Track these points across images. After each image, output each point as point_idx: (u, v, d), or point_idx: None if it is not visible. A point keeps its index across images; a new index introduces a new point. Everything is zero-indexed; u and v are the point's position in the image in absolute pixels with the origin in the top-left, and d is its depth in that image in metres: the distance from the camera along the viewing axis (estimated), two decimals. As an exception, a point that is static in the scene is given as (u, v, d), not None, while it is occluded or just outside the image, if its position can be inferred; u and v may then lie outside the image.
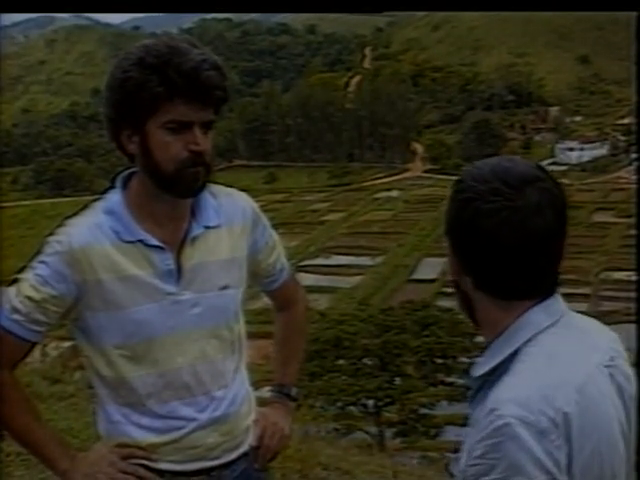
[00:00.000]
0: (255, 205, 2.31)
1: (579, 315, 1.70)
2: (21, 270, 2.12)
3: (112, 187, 2.17)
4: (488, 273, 1.60)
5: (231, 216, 2.22)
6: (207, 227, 2.17)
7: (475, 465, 1.52)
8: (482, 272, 1.61)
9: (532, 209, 1.56)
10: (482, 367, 1.62)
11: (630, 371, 1.67)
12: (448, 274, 1.74)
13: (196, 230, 2.15)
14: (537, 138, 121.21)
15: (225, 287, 2.18)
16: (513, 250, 1.56)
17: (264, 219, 2.33)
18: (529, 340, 1.59)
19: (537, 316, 1.60)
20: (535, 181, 1.59)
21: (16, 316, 2.08)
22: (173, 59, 1.98)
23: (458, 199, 1.62)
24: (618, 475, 1.59)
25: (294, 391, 2.51)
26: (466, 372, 1.70)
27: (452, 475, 1.72)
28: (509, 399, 1.50)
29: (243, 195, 2.31)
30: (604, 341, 1.67)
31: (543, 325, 1.60)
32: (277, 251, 2.39)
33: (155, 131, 2.03)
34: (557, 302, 1.64)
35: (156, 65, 1.98)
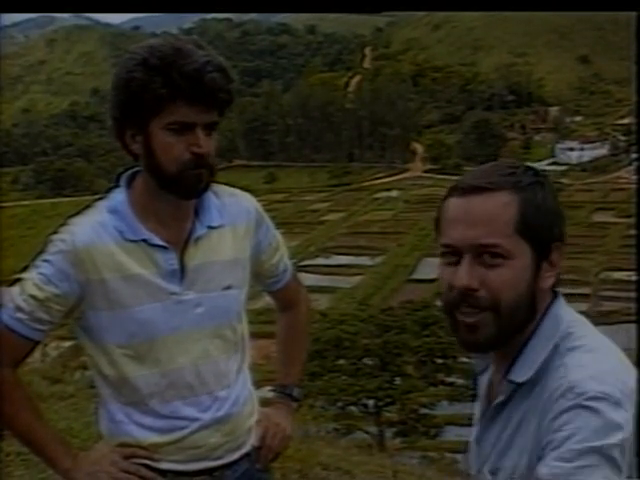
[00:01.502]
0: (259, 205, 2.31)
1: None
2: (21, 270, 2.12)
3: (116, 186, 2.17)
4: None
5: (235, 216, 2.22)
6: (210, 227, 2.16)
7: (550, 442, 1.50)
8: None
9: None
10: (526, 371, 1.61)
11: None
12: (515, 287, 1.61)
13: (200, 230, 2.15)
14: (537, 138, 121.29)
15: (228, 287, 2.18)
16: None
17: (268, 219, 2.33)
18: (563, 332, 1.62)
19: (562, 310, 1.65)
20: None
21: (19, 315, 2.08)
22: (177, 61, 1.98)
23: (556, 200, 1.66)
24: None
25: (296, 391, 2.51)
26: (508, 380, 1.64)
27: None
28: (585, 377, 1.51)
29: (247, 195, 2.31)
30: None
31: (568, 318, 1.64)
32: (280, 252, 2.38)
33: (158, 132, 2.04)
34: (562, 296, 1.69)
35: (160, 66, 1.98)
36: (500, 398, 1.65)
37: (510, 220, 1.59)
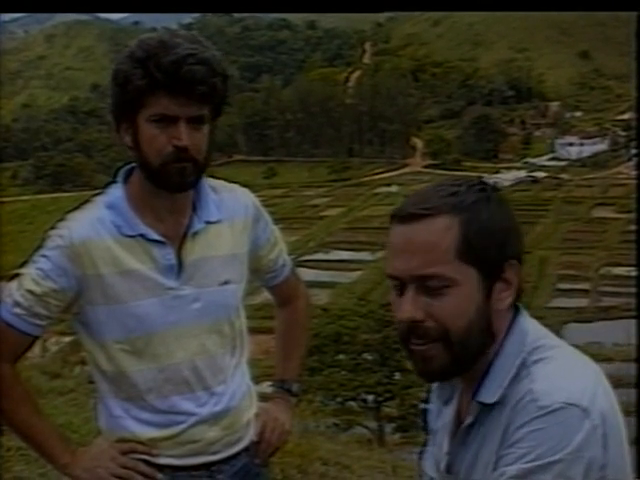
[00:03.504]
0: (257, 201, 2.31)
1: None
2: (20, 265, 2.12)
3: (114, 182, 2.18)
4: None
5: (232, 211, 2.22)
6: (208, 222, 2.17)
7: (506, 455, 1.49)
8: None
9: None
10: (495, 391, 1.56)
11: None
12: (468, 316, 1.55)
13: (197, 225, 2.15)
14: (537, 133, 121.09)
15: (226, 282, 2.18)
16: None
17: (266, 215, 2.33)
18: (531, 344, 1.57)
19: (527, 324, 1.60)
20: None
21: (17, 310, 2.08)
22: (158, 53, 1.99)
23: (510, 215, 1.58)
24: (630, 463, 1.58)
25: (295, 386, 2.51)
26: (476, 401, 1.59)
27: None
28: (549, 389, 1.48)
29: (245, 191, 2.31)
30: None
31: (534, 331, 1.59)
32: (279, 247, 2.39)
33: (143, 124, 2.05)
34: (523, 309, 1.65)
35: (142, 59, 2.00)
36: (469, 420, 1.60)
37: (450, 246, 1.52)
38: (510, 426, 1.50)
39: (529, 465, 1.44)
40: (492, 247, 1.53)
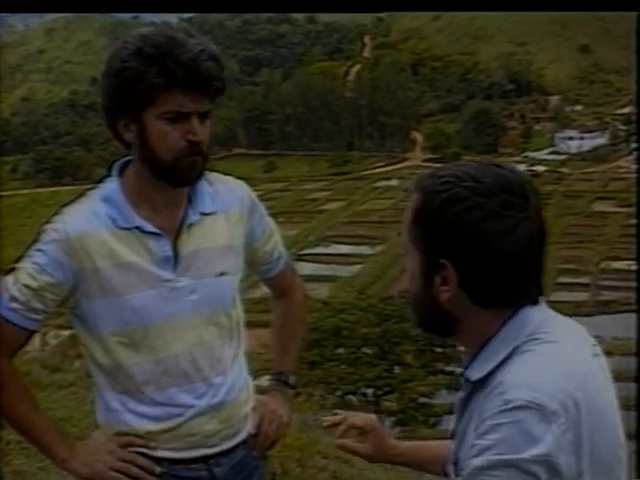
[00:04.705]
0: (252, 193, 2.32)
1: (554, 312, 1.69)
2: (19, 259, 2.12)
3: (109, 175, 2.17)
4: (496, 285, 1.57)
5: (228, 203, 2.23)
6: (203, 214, 2.17)
7: (475, 446, 1.51)
8: (488, 285, 1.58)
9: (537, 213, 1.61)
10: (481, 370, 1.59)
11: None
12: (418, 291, 1.65)
13: (192, 217, 2.15)
14: (537, 127, 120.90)
15: (222, 273, 2.18)
16: (525, 258, 1.59)
17: (261, 207, 2.33)
18: (528, 335, 1.57)
19: (536, 314, 1.60)
20: (528, 184, 1.62)
21: (14, 305, 2.08)
22: (173, 50, 1.98)
23: (467, 219, 1.54)
24: (622, 463, 1.58)
25: (292, 379, 2.51)
26: (463, 377, 1.65)
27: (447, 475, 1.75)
28: (518, 383, 1.48)
29: (240, 183, 2.31)
30: (584, 331, 1.67)
31: (539, 320, 1.59)
32: (274, 239, 2.39)
33: (153, 121, 2.04)
34: (544, 304, 1.64)
35: (155, 56, 1.99)
36: (461, 394, 1.66)
37: (407, 221, 1.64)
38: (482, 413, 1.52)
39: (494, 458, 1.46)
40: (431, 238, 1.59)
